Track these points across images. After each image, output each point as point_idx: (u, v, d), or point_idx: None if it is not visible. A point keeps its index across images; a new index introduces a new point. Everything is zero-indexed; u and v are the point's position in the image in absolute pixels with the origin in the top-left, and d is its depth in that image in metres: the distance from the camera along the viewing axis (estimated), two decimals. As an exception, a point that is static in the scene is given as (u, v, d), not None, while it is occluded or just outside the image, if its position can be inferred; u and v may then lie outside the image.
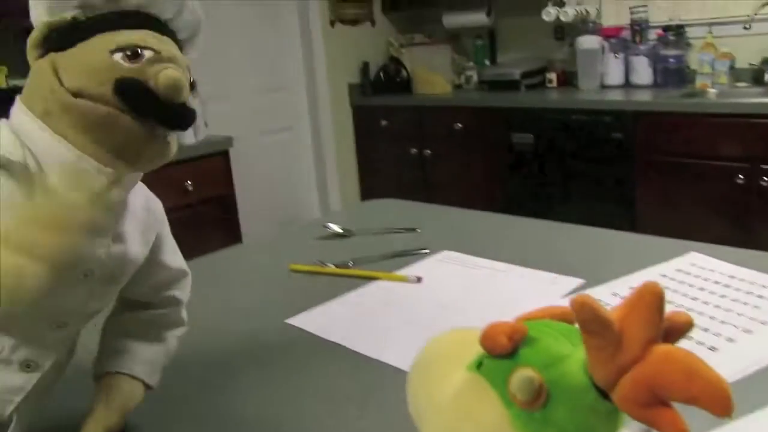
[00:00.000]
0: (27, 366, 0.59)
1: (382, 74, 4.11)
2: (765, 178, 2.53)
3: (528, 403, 0.39)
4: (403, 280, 1.07)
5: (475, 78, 3.87)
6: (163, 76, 0.55)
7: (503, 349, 0.40)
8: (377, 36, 4.21)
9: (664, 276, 1.00)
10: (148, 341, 0.71)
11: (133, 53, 0.55)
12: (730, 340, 0.80)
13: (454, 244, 1.21)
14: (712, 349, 0.78)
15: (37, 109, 0.56)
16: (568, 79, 3.60)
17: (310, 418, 0.71)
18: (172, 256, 0.73)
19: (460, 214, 1.46)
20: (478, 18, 3.85)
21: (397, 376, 0.77)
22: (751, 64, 3.06)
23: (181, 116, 0.57)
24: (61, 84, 0.55)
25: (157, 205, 0.70)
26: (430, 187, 3.71)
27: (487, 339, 0.40)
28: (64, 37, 0.57)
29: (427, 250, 1.20)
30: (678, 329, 0.38)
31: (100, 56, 0.55)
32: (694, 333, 0.82)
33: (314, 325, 0.93)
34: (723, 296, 0.92)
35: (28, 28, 0.58)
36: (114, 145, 0.56)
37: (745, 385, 0.71)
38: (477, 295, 1.00)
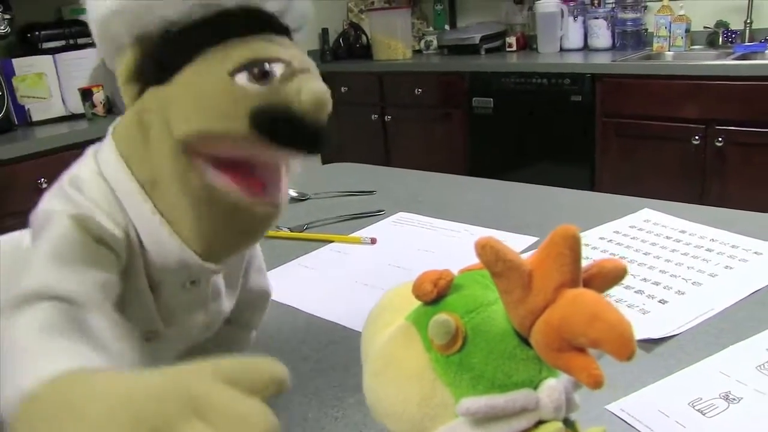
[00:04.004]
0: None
1: (341, 40, 4.06)
2: (720, 138, 2.56)
3: (444, 347, 0.39)
4: (357, 241, 1.06)
5: (434, 43, 3.84)
6: (307, 93, 0.43)
7: (428, 295, 0.41)
8: (336, 1, 4.15)
9: (617, 232, 1.01)
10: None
11: (261, 71, 0.43)
12: (680, 292, 0.81)
13: (411, 206, 1.21)
14: (662, 302, 0.79)
15: (143, 173, 0.46)
16: (527, 43, 3.60)
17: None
18: (255, 276, 0.65)
19: (418, 176, 1.46)
20: (437, -18, 3.80)
21: (351, 336, 0.77)
22: (706, 27, 3.08)
23: (326, 138, 0.45)
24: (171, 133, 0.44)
25: None
26: (392, 152, 3.69)
27: (416, 287, 0.41)
28: (161, 63, 0.45)
29: (383, 212, 1.19)
30: (606, 275, 0.37)
31: (219, 83, 0.43)
32: (646, 287, 0.83)
33: (267, 289, 0.92)
34: (674, 251, 0.93)
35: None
36: (229, 230, 0.48)
37: (693, 335, 0.72)
38: (431, 255, 1.00)
